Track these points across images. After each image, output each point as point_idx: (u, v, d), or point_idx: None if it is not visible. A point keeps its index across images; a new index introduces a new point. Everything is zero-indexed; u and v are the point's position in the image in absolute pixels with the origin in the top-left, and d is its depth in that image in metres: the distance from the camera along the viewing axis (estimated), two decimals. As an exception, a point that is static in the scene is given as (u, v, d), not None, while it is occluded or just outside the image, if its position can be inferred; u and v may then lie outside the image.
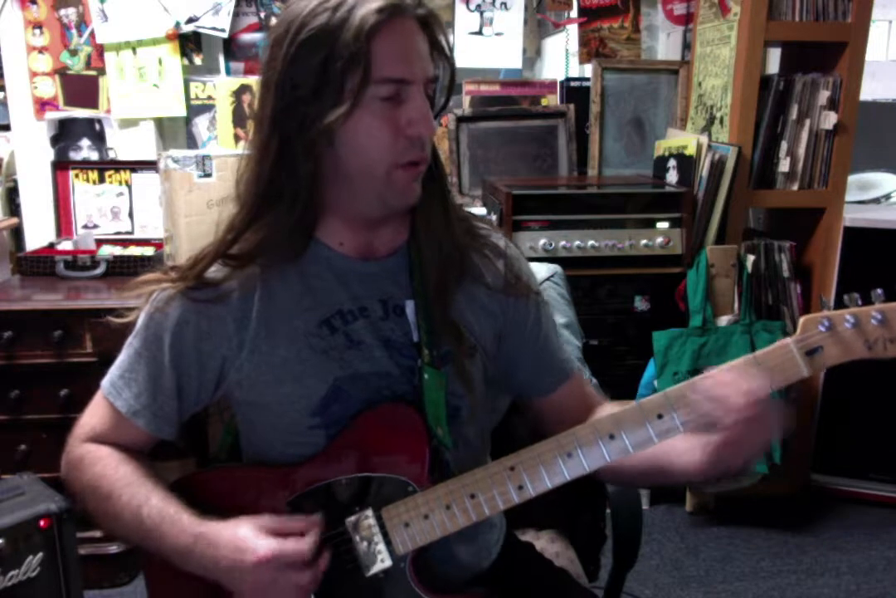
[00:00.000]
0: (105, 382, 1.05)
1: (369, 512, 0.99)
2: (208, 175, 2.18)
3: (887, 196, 2.85)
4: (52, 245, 2.50)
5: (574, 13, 2.73)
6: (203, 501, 1.01)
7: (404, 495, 0.99)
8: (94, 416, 1.06)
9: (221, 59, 2.65)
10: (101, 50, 2.52)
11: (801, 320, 0.91)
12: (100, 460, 1.03)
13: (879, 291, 0.89)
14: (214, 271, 1.01)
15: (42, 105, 2.57)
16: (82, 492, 1.04)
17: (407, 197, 0.99)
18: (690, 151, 2.47)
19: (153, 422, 1.03)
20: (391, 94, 0.93)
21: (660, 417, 0.93)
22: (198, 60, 2.61)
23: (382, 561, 0.98)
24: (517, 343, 1.12)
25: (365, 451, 1.01)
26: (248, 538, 0.93)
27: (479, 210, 2.55)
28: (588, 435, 0.95)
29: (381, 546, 0.98)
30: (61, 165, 2.57)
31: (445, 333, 1.03)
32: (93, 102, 2.58)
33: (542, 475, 0.96)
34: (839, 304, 0.91)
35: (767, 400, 0.89)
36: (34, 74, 2.54)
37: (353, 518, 0.99)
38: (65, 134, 2.57)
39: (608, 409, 1.10)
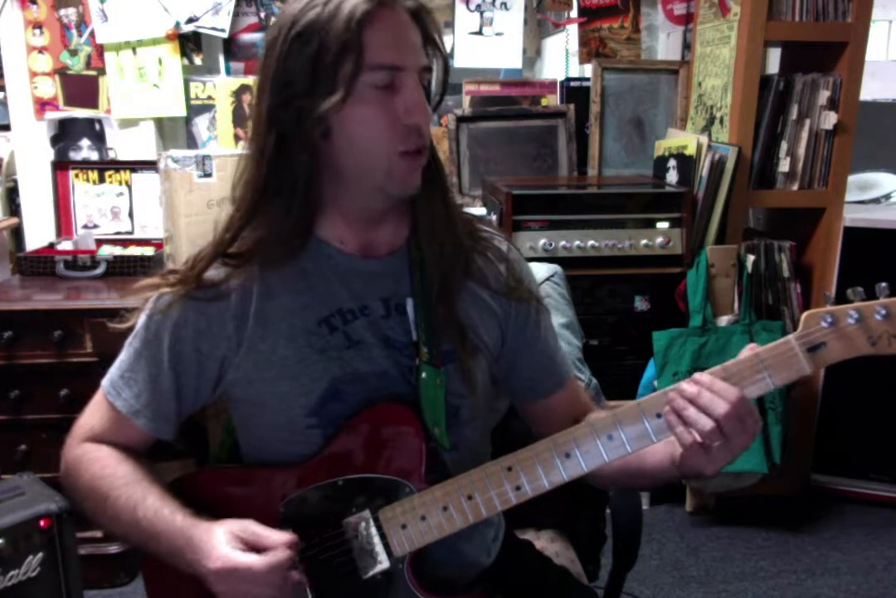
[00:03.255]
0: (105, 381, 1.05)
1: (367, 513, 0.99)
2: (208, 175, 2.18)
3: (887, 196, 2.85)
4: (52, 245, 2.50)
5: (574, 13, 2.73)
6: (200, 500, 1.01)
7: (402, 496, 0.99)
8: (93, 415, 1.06)
9: (221, 59, 2.65)
10: (101, 50, 2.52)
11: (803, 315, 0.89)
12: (98, 461, 1.03)
13: (884, 284, 0.87)
14: (214, 271, 1.00)
15: (42, 105, 2.56)
16: (80, 493, 1.04)
17: (406, 185, 0.98)
18: (690, 151, 2.46)
19: (153, 422, 1.03)
20: (385, 83, 0.93)
21: (658, 416, 0.93)
22: (198, 60, 2.61)
23: (380, 563, 0.98)
24: (517, 347, 1.11)
25: (362, 451, 1.00)
26: (214, 545, 0.91)
27: (479, 210, 2.55)
28: (586, 435, 0.95)
29: (379, 548, 0.98)
30: (61, 165, 2.57)
31: (447, 331, 1.03)
32: (93, 102, 2.58)
33: (539, 476, 0.95)
34: (841, 299, 0.89)
35: (745, 408, 0.88)
36: (34, 74, 2.54)
37: (350, 519, 0.99)
38: (65, 134, 2.57)
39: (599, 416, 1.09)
